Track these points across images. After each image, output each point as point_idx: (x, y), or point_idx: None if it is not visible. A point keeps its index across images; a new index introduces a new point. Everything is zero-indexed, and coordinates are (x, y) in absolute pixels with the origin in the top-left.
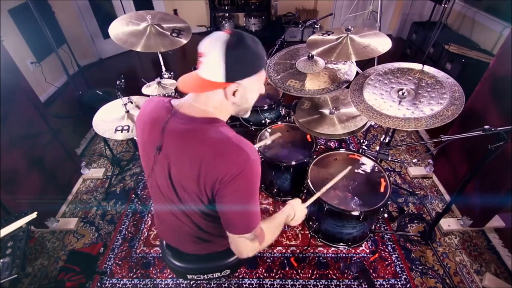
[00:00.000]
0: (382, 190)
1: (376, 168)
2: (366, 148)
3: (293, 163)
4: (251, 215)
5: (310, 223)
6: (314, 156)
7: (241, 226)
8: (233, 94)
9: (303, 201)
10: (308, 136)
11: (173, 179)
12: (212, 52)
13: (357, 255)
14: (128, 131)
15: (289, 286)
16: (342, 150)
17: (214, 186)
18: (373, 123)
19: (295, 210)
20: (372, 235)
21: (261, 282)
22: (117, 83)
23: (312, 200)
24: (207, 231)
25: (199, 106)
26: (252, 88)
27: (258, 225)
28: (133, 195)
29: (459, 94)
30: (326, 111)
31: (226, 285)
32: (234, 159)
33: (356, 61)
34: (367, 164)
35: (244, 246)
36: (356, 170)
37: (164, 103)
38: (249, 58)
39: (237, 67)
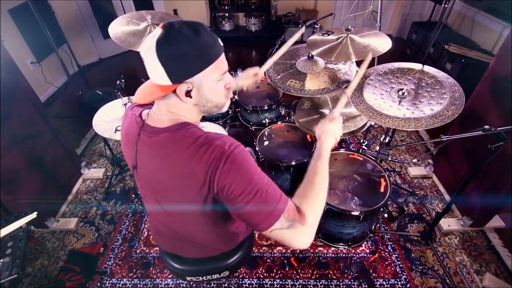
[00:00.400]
0: (382, 190)
1: (376, 168)
2: (366, 148)
3: (293, 163)
4: (267, 203)
5: None
6: None
7: (263, 219)
8: (188, 95)
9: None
10: (308, 136)
11: (158, 194)
12: (148, 54)
13: (357, 255)
14: None
15: (289, 286)
16: (342, 150)
17: (208, 189)
18: (373, 123)
19: (329, 133)
20: (372, 235)
21: (261, 282)
22: (117, 83)
23: (343, 104)
24: (202, 237)
25: (162, 115)
26: (209, 84)
27: (284, 207)
28: (133, 195)
29: (459, 94)
30: (326, 111)
31: (226, 285)
32: (207, 157)
33: (356, 61)
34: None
35: (287, 237)
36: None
37: (135, 117)
38: (189, 52)
39: (177, 65)
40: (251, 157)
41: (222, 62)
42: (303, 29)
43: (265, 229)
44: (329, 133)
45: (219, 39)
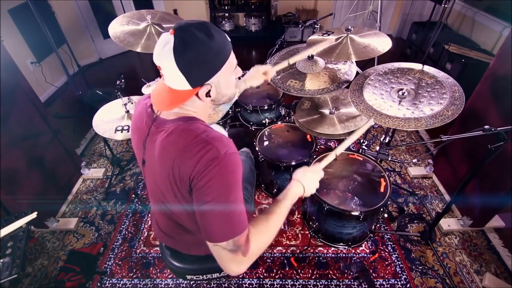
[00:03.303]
0: (382, 190)
1: (376, 168)
2: (366, 148)
3: (293, 163)
4: (230, 219)
5: (310, 223)
6: (314, 156)
7: (217, 232)
8: (207, 95)
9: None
10: (308, 136)
11: (160, 186)
12: (165, 63)
13: (357, 255)
14: (128, 131)
15: (289, 286)
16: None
17: (187, 185)
18: (373, 123)
19: (303, 183)
20: (372, 235)
21: (261, 282)
22: (117, 83)
23: (330, 160)
24: (197, 233)
25: (177, 110)
26: (225, 80)
27: (239, 233)
28: (133, 195)
29: (459, 94)
30: (326, 111)
31: (226, 285)
32: (201, 155)
33: (356, 61)
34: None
35: (225, 258)
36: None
37: (146, 107)
38: (205, 56)
39: (197, 70)
40: (240, 171)
41: (233, 58)
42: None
43: (213, 241)
44: (304, 184)
45: (227, 35)
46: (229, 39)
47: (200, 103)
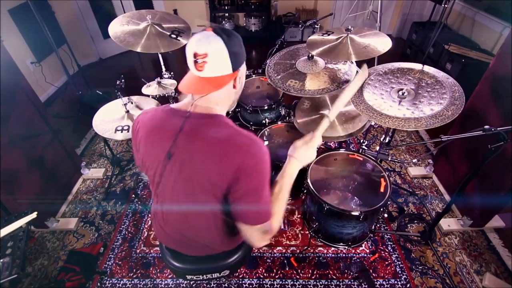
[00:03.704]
0: (382, 190)
1: (376, 168)
2: (366, 148)
3: None
4: (266, 207)
5: (310, 223)
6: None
7: (256, 217)
8: (238, 82)
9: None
10: None
11: (187, 181)
12: (215, 49)
13: (357, 255)
14: (128, 131)
15: (289, 286)
16: (342, 150)
17: (231, 178)
18: (373, 123)
19: (296, 157)
20: (372, 235)
21: (261, 282)
22: (117, 83)
23: (325, 127)
24: (208, 233)
25: (207, 104)
26: (244, 71)
27: (271, 219)
28: (133, 195)
29: (459, 94)
30: (326, 111)
31: (226, 285)
32: (247, 149)
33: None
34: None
35: (258, 236)
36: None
37: (166, 109)
38: (240, 45)
39: (236, 55)
40: (269, 167)
41: None
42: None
43: (252, 223)
44: (297, 158)
45: None
46: None
47: (231, 94)
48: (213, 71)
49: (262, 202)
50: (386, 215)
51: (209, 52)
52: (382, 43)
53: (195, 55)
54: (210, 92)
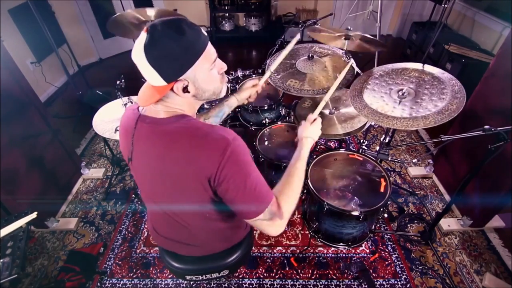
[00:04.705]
0: (382, 190)
1: (376, 168)
2: (366, 148)
3: None
4: (255, 195)
5: (310, 223)
6: (314, 156)
7: (251, 210)
8: (185, 91)
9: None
10: None
11: (157, 184)
12: (138, 60)
13: (357, 255)
14: None
15: (289, 286)
16: (342, 150)
17: (207, 182)
18: (373, 123)
19: (310, 136)
20: (372, 235)
21: (261, 282)
22: (117, 83)
23: (321, 108)
24: (200, 235)
25: (162, 108)
26: (203, 75)
27: (269, 202)
28: (133, 195)
29: (459, 87)
30: (326, 111)
31: (226, 285)
32: (212, 147)
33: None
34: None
35: (266, 227)
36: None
37: (133, 110)
38: (175, 51)
39: (167, 65)
40: (249, 152)
41: (210, 52)
42: (297, 37)
43: (250, 217)
44: (309, 136)
45: (202, 30)
46: (205, 34)
47: (181, 99)
48: (149, 80)
49: (250, 190)
50: (386, 215)
51: (136, 62)
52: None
53: None
54: (147, 104)
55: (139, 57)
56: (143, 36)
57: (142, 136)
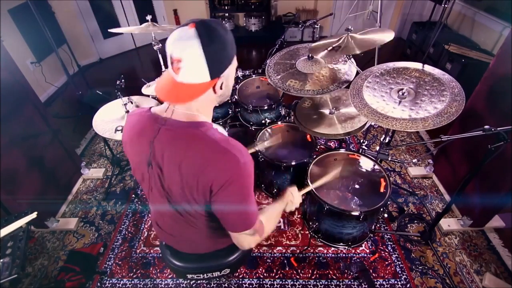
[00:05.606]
0: (382, 190)
1: (376, 168)
2: (366, 148)
3: (293, 163)
4: (248, 214)
5: (310, 223)
6: (314, 156)
7: (240, 225)
8: (220, 88)
9: (299, 189)
10: (308, 136)
11: (166, 188)
12: (190, 54)
13: (357, 255)
14: None
15: (289, 286)
16: (342, 150)
17: (208, 191)
18: (373, 123)
19: (293, 197)
20: (372, 235)
21: (261, 282)
22: (117, 83)
23: (306, 190)
24: (205, 231)
25: (187, 111)
26: (232, 73)
27: (256, 221)
28: (133, 195)
29: (458, 90)
30: (326, 111)
31: (226, 285)
32: (223, 165)
33: (355, 61)
34: (367, 164)
35: (246, 241)
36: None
37: (147, 113)
38: (225, 47)
39: (218, 61)
40: (253, 174)
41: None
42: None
43: (238, 231)
44: (294, 202)
45: None
46: None
47: (204, 101)
48: (188, 78)
49: (246, 209)
50: (386, 215)
51: (184, 58)
52: (384, 36)
53: (171, 58)
54: (185, 102)
55: (191, 52)
56: (189, 32)
57: (163, 139)
